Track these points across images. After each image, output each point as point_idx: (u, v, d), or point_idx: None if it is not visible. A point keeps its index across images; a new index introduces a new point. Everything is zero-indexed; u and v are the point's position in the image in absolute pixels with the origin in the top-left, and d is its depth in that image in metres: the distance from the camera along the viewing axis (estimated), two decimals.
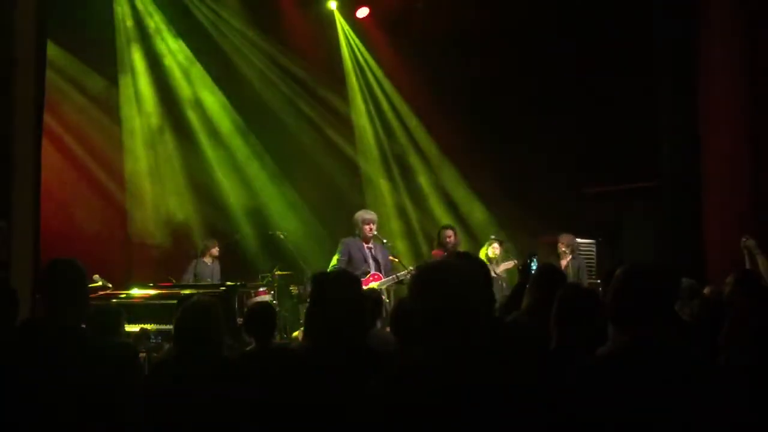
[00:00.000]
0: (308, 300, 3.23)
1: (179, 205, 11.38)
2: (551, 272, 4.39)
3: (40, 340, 3.24)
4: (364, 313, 3.23)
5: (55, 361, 3.15)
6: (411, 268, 8.39)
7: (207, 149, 11.57)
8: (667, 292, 2.85)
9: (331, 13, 11.59)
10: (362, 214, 8.58)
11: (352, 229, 8.51)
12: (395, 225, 11.56)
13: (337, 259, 8.30)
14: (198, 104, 11.48)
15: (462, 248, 9.08)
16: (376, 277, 8.33)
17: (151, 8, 11.15)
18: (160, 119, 11.34)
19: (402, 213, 11.74)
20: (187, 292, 7.98)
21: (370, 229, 8.44)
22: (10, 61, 6.90)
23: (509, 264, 9.35)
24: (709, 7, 9.22)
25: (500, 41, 10.53)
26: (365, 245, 8.45)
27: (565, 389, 2.66)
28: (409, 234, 11.60)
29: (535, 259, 4.76)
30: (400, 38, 11.24)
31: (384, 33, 11.48)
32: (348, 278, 3.22)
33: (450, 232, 9.09)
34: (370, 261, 8.42)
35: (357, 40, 11.73)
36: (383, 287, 8.24)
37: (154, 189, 11.37)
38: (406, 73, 11.52)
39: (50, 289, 3.33)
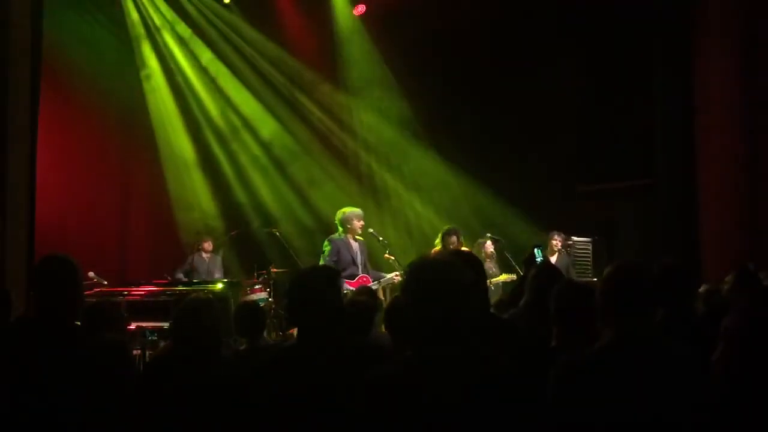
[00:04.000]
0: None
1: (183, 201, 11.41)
2: (549, 270, 4.39)
3: (32, 337, 3.21)
4: (342, 305, 3.21)
5: (46, 358, 3.13)
6: (395, 274, 8.29)
7: (207, 146, 11.58)
8: (654, 289, 2.87)
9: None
10: (354, 212, 8.37)
11: (336, 226, 8.33)
12: (393, 222, 11.53)
13: (325, 259, 8.10)
14: (201, 103, 11.49)
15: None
16: (364, 279, 8.15)
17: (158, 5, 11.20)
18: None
19: (401, 208, 11.70)
20: (183, 289, 7.96)
21: (361, 226, 8.33)
22: (5, 59, 6.88)
23: (504, 277, 9.28)
24: (707, 5, 9.22)
25: (498, 40, 10.52)
26: (353, 245, 8.30)
27: (551, 385, 2.67)
28: (408, 232, 11.57)
29: (539, 250, 4.75)
30: (396, 35, 11.21)
31: (381, 29, 11.44)
32: (326, 273, 3.20)
33: (453, 238, 8.92)
34: (359, 262, 8.28)
35: (356, 36, 11.69)
36: (377, 288, 8.14)
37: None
38: (403, 71, 11.51)
39: (43, 286, 3.30)
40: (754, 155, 8.85)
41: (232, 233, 10.48)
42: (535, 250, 4.82)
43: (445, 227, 9.22)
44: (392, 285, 8.44)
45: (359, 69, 11.64)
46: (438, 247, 8.91)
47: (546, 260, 4.82)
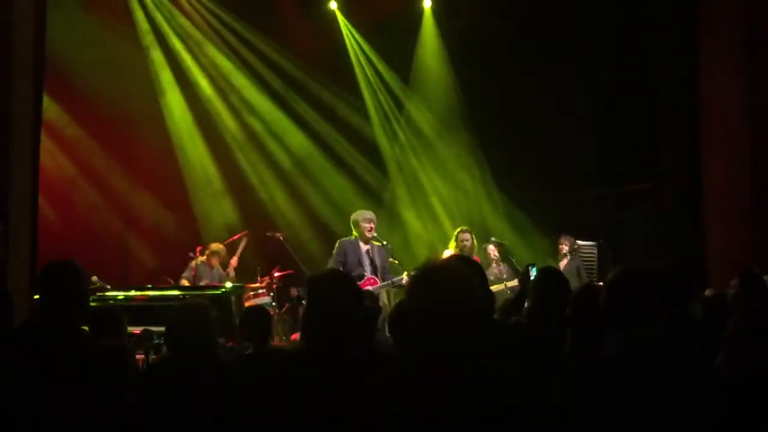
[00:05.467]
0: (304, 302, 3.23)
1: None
2: (552, 275, 4.37)
3: (35, 342, 3.21)
4: (358, 313, 3.21)
5: (50, 362, 3.13)
6: (405, 274, 8.29)
7: (209, 149, 11.60)
8: (659, 293, 2.86)
9: (333, 13, 11.55)
10: (361, 214, 8.46)
11: (350, 229, 8.42)
12: (392, 224, 11.51)
13: (332, 261, 8.16)
14: (203, 103, 11.51)
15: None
16: (371, 281, 8.15)
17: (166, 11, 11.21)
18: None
19: (403, 210, 11.69)
20: (188, 293, 7.97)
21: (370, 229, 8.33)
22: (7, 63, 6.88)
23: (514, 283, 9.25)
24: (709, 6, 9.21)
25: (502, 44, 10.52)
26: (363, 247, 8.32)
27: (558, 391, 2.66)
28: (411, 234, 11.55)
29: (534, 268, 4.72)
30: (400, 36, 11.22)
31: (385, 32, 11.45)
32: (340, 278, 3.20)
33: (467, 236, 8.96)
34: (366, 264, 8.25)
35: (361, 40, 11.69)
36: (380, 291, 8.13)
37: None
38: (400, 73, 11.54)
39: (47, 291, 3.30)
40: (759, 157, 8.84)
41: (235, 236, 10.47)
42: (530, 268, 4.78)
43: (460, 228, 9.26)
44: (396, 289, 8.43)
45: (365, 73, 11.68)
46: (451, 248, 8.92)
47: (547, 266, 4.81)
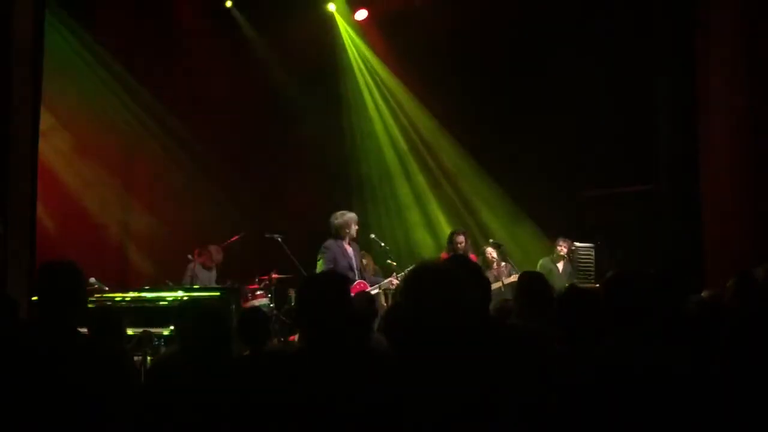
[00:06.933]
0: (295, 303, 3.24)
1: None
2: (532, 278, 4.52)
3: (33, 342, 3.23)
4: (351, 312, 3.22)
5: (47, 362, 3.14)
6: (394, 275, 8.27)
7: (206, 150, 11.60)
8: (654, 294, 2.88)
9: (331, 15, 11.57)
10: (349, 216, 8.18)
11: (336, 230, 8.13)
12: (391, 226, 11.52)
13: (325, 265, 7.88)
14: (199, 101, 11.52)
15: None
16: (362, 285, 8.06)
17: None
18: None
19: (400, 214, 11.69)
20: (185, 295, 7.96)
21: (357, 230, 8.23)
22: (7, 63, 6.90)
23: (514, 278, 9.24)
24: (708, 6, 9.21)
25: (497, 42, 10.53)
26: (349, 250, 8.14)
27: (551, 389, 2.68)
28: (407, 235, 11.56)
29: None
30: (397, 39, 11.23)
31: (383, 34, 11.46)
32: (334, 278, 3.22)
33: (462, 238, 8.87)
34: (355, 267, 8.14)
35: (359, 42, 11.70)
36: (377, 293, 8.08)
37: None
38: (400, 76, 11.54)
39: (45, 291, 3.32)
40: (756, 159, 8.84)
41: (233, 238, 10.46)
42: None
43: (453, 229, 9.21)
44: (393, 290, 8.41)
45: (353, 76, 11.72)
46: (447, 250, 8.89)
47: (526, 271, 5.00)
